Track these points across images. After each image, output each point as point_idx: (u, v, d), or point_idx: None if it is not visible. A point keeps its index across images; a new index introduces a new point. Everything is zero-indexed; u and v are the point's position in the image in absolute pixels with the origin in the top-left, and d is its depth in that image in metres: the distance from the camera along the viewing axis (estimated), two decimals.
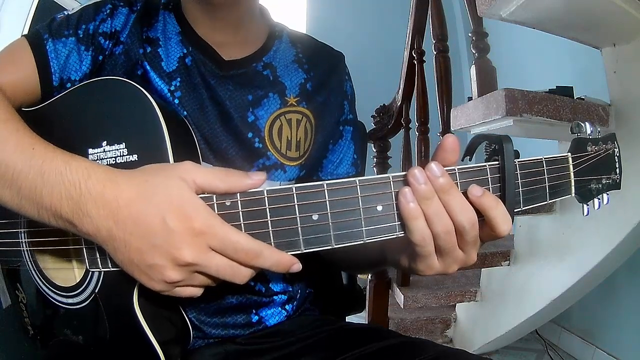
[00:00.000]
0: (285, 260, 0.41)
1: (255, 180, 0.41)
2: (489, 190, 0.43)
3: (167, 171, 0.41)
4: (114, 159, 0.49)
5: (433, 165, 0.40)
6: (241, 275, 0.41)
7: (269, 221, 0.41)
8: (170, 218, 0.39)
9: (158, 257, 0.39)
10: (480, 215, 0.42)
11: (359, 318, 1.78)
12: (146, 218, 0.39)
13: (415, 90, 1.97)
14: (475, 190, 0.41)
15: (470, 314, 1.79)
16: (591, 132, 0.49)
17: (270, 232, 0.41)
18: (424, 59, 1.94)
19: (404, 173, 0.41)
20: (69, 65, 0.59)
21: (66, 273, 0.53)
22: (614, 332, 1.74)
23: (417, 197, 0.40)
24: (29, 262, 0.57)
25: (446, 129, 1.65)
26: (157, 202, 0.39)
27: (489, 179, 0.43)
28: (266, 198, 0.41)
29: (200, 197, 0.41)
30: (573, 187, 0.48)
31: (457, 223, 0.41)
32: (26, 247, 0.56)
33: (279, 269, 0.41)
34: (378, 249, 0.55)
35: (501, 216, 0.41)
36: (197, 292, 0.44)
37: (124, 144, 0.49)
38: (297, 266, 0.42)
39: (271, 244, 0.41)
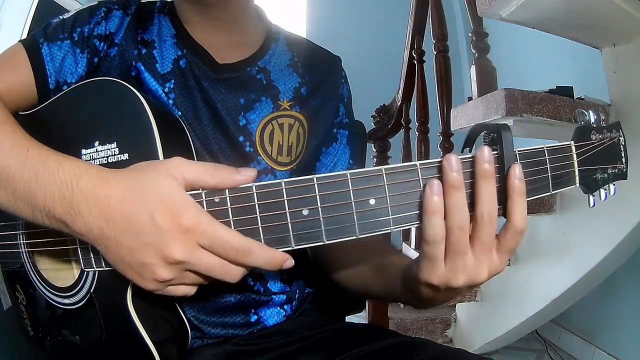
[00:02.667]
0: (277, 258, 0.40)
1: (245, 176, 0.41)
2: None
3: (156, 168, 0.41)
4: (105, 158, 0.49)
5: (485, 150, 0.39)
6: (232, 273, 0.41)
7: (259, 217, 0.40)
8: (158, 215, 0.38)
9: (148, 255, 0.39)
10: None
11: (359, 318, 1.77)
12: (136, 216, 0.39)
13: (415, 90, 1.98)
14: (519, 171, 0.40)
15: (470, 314, 1.78)
16: (595, 120, 0.47)
17: (260, 228, 0.40)
18: (424, 59, 1.95)
19: (398, 165, 0.40)
20: (65, 68, 0.60)
21: (64, 273, 0.53)
22: (614, 332, 1.73)
23: (446, 185, 0.38)
24: (28, 264, 0.57)
25: (446, 129, 1.65)
26: (146, 200, 0.39)
27: None
28: (255, 194, 0.40)
29: (189, 194, 0.40)
30: (577, 177, 0.45)
31: (478, 213, 0.39)
32: (24, 248, 0.57)
33: (271, 266, 0.41)
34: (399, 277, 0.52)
35: (524, 207, 0.41)
36: (191, 290, 0.43)
37: (115, 143, 0.49)
38: (290, 262, 0.41)
39: (261, 241, 0.40)
